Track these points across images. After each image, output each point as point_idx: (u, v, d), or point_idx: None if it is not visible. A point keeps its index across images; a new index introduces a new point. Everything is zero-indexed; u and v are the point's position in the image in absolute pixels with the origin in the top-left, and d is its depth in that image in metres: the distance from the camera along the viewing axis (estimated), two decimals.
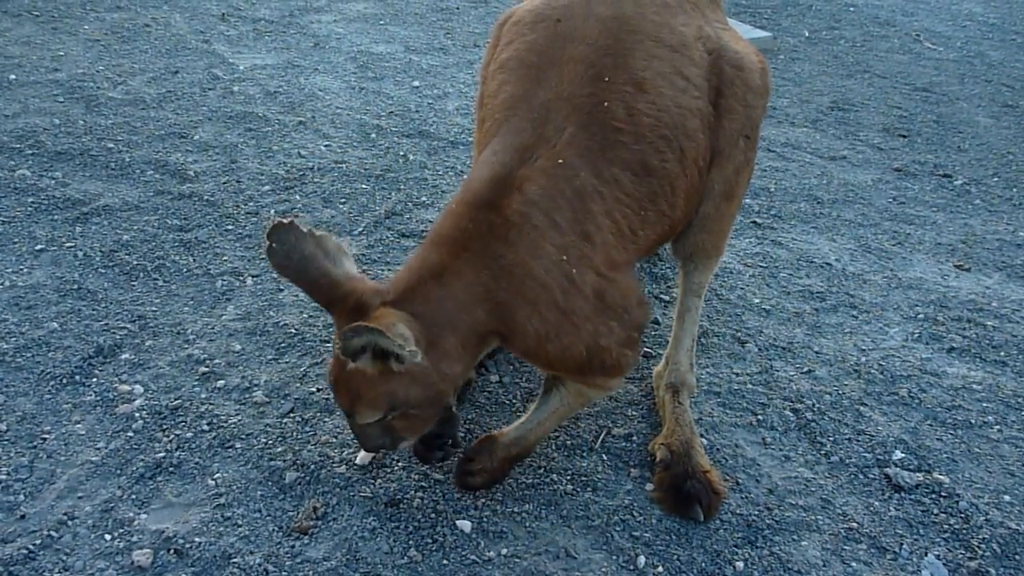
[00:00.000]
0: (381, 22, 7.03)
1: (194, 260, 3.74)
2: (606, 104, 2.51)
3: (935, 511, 2.82)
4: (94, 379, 3.07)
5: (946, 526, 2.76)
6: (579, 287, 2.41)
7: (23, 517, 2.54)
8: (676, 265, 3.35)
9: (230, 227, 4.00)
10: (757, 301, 3.83)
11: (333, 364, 2.34)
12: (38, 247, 3.70)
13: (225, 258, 3.78)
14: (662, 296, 3.82)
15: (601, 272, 2.46)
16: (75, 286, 3.49)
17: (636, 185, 2.55)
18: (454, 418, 2.59)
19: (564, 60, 2.57)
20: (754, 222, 4.51)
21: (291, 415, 3.00)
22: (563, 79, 2.54)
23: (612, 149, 2.50)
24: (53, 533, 2.49)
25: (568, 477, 2.84)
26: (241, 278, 3.66)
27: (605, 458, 2.94)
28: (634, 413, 3.15)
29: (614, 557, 2.57)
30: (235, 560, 2.46)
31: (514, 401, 3.14)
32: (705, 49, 2.77)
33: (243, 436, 2.89)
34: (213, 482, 2.72)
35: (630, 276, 2.60)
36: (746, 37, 7.04)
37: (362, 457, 2.80)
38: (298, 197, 4.31)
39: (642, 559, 2.56)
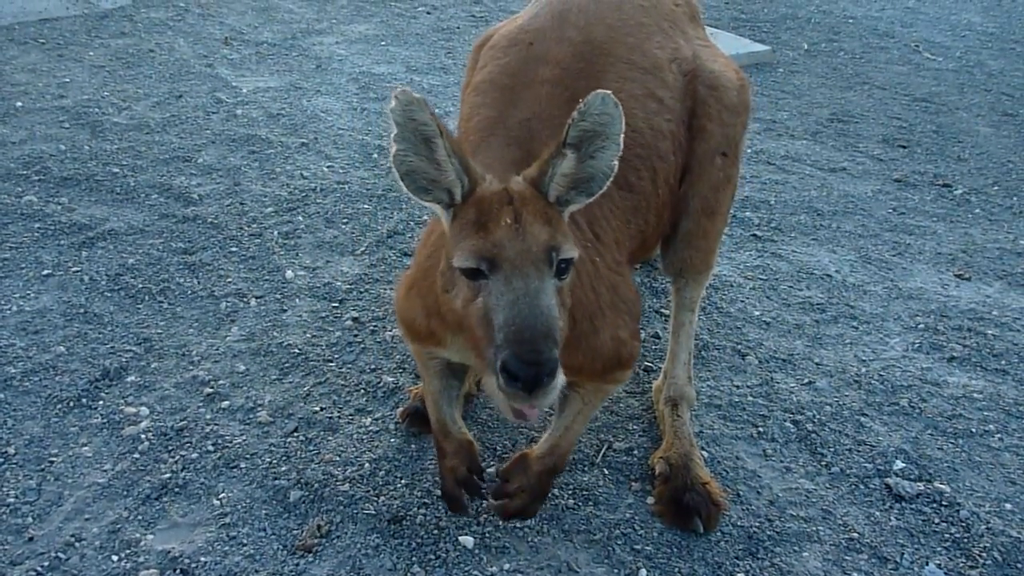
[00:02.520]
0: (382, 43, 7.10)
1: (198, 282, 3.79)
2: None
3: (936, 520, 2.83)
4: (100, 402, 3.11)
5: (947, 535, 2.77)
6: (602, 278, 2.47)
7: (31, 539, 2.57)
8: (669, 281, 3.39)
9: (234, 249, 4.04)
10: (757, 313, 3.85)
11: None
12: (45, 272, 3.75)
13: (229, 280, 3.82)
14: (663, 310, 3.85)
15: (612, 267, 2.53)
16: (81, 310, 3.54)
17: (622, 198, 2.60)
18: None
19: (538, 82, 2.61)
20: (754, 235, 4.54)
21: (295, 434, 3.03)
22: (540, 100, 2.57)
23: None
24: (61, 555, 2.52)
25: (569, 491, 2.86)
26: (245, 299, 3.70)
27: (606, 472, 2.96)
28: (634, 427, 3.17)
29: (616, 571, 2.58)
30: None
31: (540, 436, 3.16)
32: (680, 71, 2.81)
33: (248, 456, 2.92)
34: (218, 502, 2.74)
35: (629, 273, 2.68)
36: (745, 51, 7.11)
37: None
38: (301, 218, 4.35)
39: (644, 572, 2.58)
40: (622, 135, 2.02)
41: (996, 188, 5.31)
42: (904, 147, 5.84)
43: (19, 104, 5.27)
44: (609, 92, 1.96)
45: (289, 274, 3.89)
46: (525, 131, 2.52)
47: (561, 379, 1.91)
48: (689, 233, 2.95)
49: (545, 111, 2.54)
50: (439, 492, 2.80)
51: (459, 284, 2.05)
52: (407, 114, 1.96)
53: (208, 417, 3.08)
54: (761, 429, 3.18)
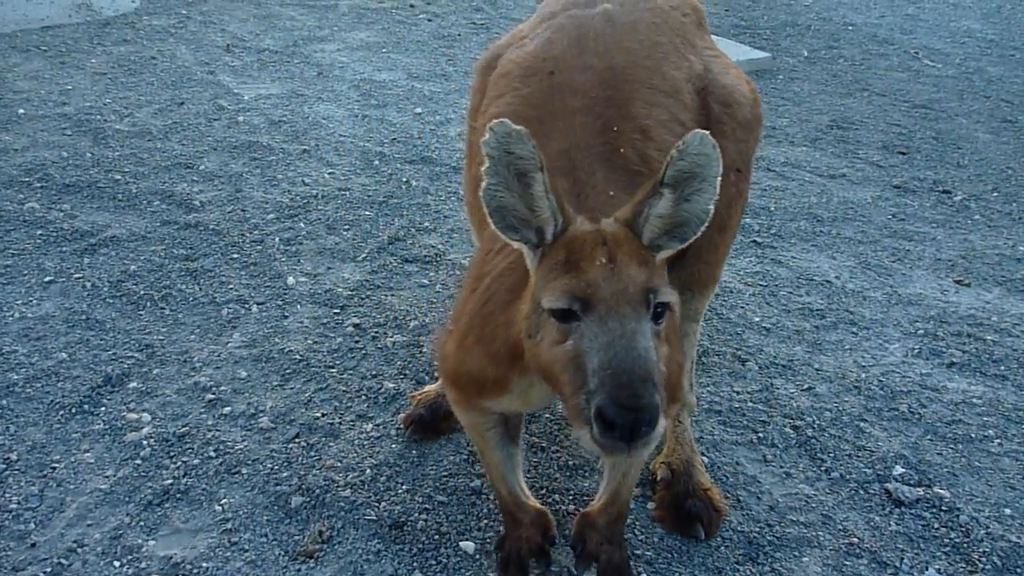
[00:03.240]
0: (383, 50, 7.13)
1: (200, 289, 3.80)
2: (622, 151, 2.49)
3: (936, 525, 2.83)
4: (102, 408, 3.12)
5: (947, 540, 2.78)
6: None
7: (34, 545, 2.58)
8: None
9: (235, 255, 4.06)
10: (757, 319, 3.86)
11: None
12: (47, 279, 3.76)
13: (231, 286, 3.83)
14: None
15: None
16: (83, 316, 3.55)
17: None
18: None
19: (568, 112, 2.52)
20: (754, 241, 4.55)
21: (296, 440, 3.04)
22: (574, 130, 2.49)
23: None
24: (63, 561, 2.53)
25: (570, 497, 2.87)
26: (246, 306, 3.72)
27: None
28: None
29: None
30: None
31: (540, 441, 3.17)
32: (694, 89, 2.75)
33: (249, 462, 2.93)
34: (220, 508, 2.75)
35: None
36: (745, 58, 7.13)
37: None
38: (302, 225, 4.37)
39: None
40: (719, 178, 1.93)
41: (995, 194, 5.32)
42: (904, 153, 5.85)
43: (21, 111, 5.29)
44: (707, 133, 1.87)
45: (290, 280, 3.90)
46: (566, 161, 2.43)
47: (662, 427, 1.76)
48: (699, 248, 2.87)
49: (582, 140, 2.47)
50: (440, 498, 2.81)
51: (546, 327, 1.91)
52: (503, 146, 1.85)
53: (210, 423, 3.09)
54: (761, 435, 3.18)
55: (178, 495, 2.79)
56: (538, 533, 2.57)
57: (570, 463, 3.00)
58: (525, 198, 1.91)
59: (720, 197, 2.89)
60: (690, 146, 1.86)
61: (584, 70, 2.60)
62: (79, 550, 2.57)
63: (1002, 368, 3.63)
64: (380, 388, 3.30)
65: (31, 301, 3.62)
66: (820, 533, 2.78)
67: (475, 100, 2.93)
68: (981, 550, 2.74)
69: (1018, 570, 2.68)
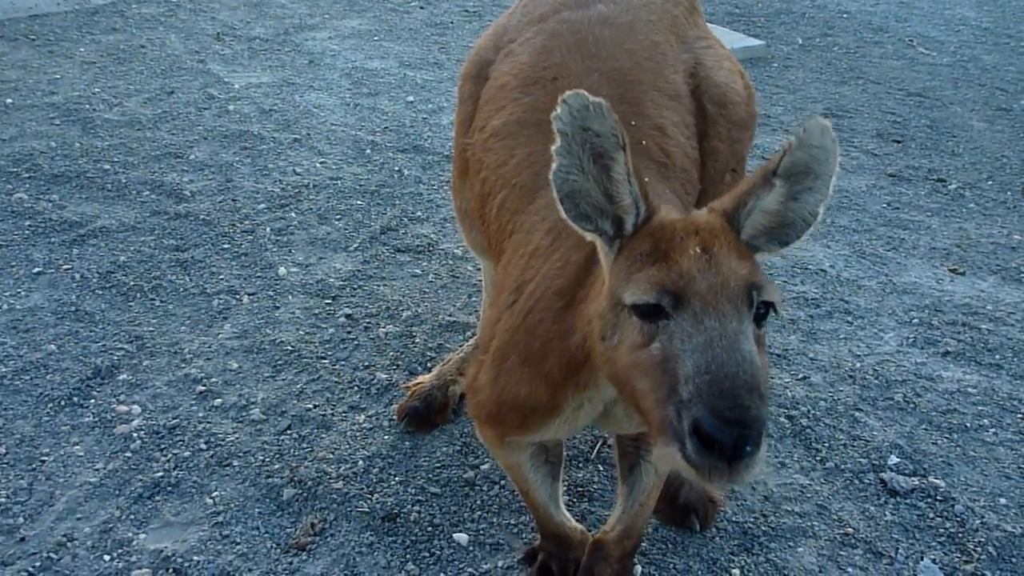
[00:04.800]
0: (375, 38, 7.08)
1: (190, 280, 3.77)
2: (644, 143, 2.39)
3: (931, 515, 2.82)
4: (92, 400, 3.09)
5: (942, 530, 2.77)
6: None
7: (23, 539, 2.55)
8: None
9: (226, 246, 4.02)
10: None
11: None
12: (35, 270, 3.73)
13: (221, 277, 3.80)
14: None
15: None
16: (72, 308, 3.52)
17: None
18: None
19: None
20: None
21: (288, 432, 3.01)
22: None
23: (667, 181, 2.36)
24: (53, 555, 2.51)
25: (565, 488, 2.84)
26: (237, 296, 3.69)
27: (601, 469, 2.96)
28: None
29: None
30: None
31: None
32: (688, 89, 2.66)
33: (241, 454, 2.91)
34: (211, 500, 2.73)
35: None
36: (739, 46, 7.10)
37: None
38: (294, 214, 4.33)
39: (639, 568, 2.57)
40: (834, 178, 1.70)
41: (990, 183, 5.31)
42: (898, 142, 5.83)
43: (9, 101, 5.24)
44: (829, 124, 1.64)
45: (282, 271, 3.87)
46: None
47: (766, 450, 1.53)
48: None
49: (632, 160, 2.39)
50: (433, 489, 2.80)
51: (626, 328, 1.67)
52: (579, 122, 1.64)
53: (200, 415, 3.06)
54: None
55: (169, 488, 2.76)
56: (573, 555, 2.51)
57: (565, 454, 2.98)
58: (602, 182, 1.70)
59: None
60: (812, 136, 1.64)
61: (589, 73, 2.48)
62: (69, 544, 2.55)
63: (997, 357, 3.62)
64: (372, 379, 3.28)
65: (19, 293, 3.59)
66: (815, 523, 2.77)
67: (465, 110, 2.80)
68: (976, 540, 2.73)
69: (1013, 559, 2.67)
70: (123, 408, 3.06)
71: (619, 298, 1.68)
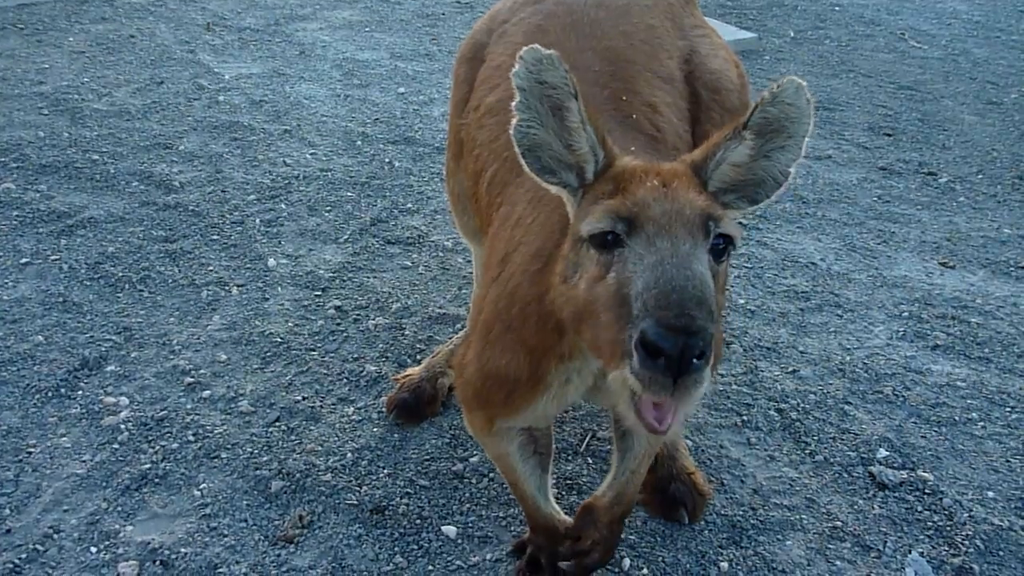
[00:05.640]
0: (366, 29, 7.05)
1: (179, 271, 3.75)
2: (634, 116, 2.39)
3: (919, 508, 2.83)
4: (79, 392, 3.07)
5: (930, 523, 2.77)
6: None
7: (8, 531, 2.54)
8: None
9: (215, 237, 4.00)
10: (742, 302, 3.85)
11: None
12: (23, 260, 3.70)
13: (210, 268, 3.78)
14: None
15: None
16: (60, 299, 3.50)
17: None
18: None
19: None
20: (739, 223, 4.52)
21: (277, 424, 3.00)
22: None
23: (657, 153, 2.33)
24: (39, 547, 2.49)
25: (553, 480, 2.84)
26: (226, 288, 3.67)
27: (590, 461, 2.95)
28: None
29: None
30: (221, 570, 2.47)
31: None
32: (683, 75, 2.66)
33: (229, 446, 2.89)
34: (199, 492, 2.72)
35: None
36: (731, 38, 7.07)
37: None
38: (284, 206, 4.31)
39: (627, 561, 2.57)
40: (807, 138, 1.69)
41: (980, 176, 5.31)
42: (889, 135, 5.83)
43: None
44: (804, 84, 1.64)
45: (271, 262, 3.85)
46: None
47: (708, 377, 1.52)
48: None
49: (588, 108, 2.38)
50: (422, 482, 2.79)
51: (584, 263, 1.68)
52: (535, 75, 1.64)
53: (189, 407, 3.05)
54: (745, 418, 3.17)
55: (156, 480, 2.75)
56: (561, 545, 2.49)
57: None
58: (561, 133, 1.71)
59: None
60: (785, 92, 1.64)
61: (582, 52, 2.49)
62: (55, 536, 2.53)
63: (986, 351, 3.63)
64: (362, 371, 3.27)
65: (7, 283, 3.56)
66: (804, 516, 2.78)
67: (460, 92, 2.80)
68: (964, 533, 2.74)
69: (1000, 553, 2.68)
70: (111, 400, 3.04)
71: (577, 233, 1.69)
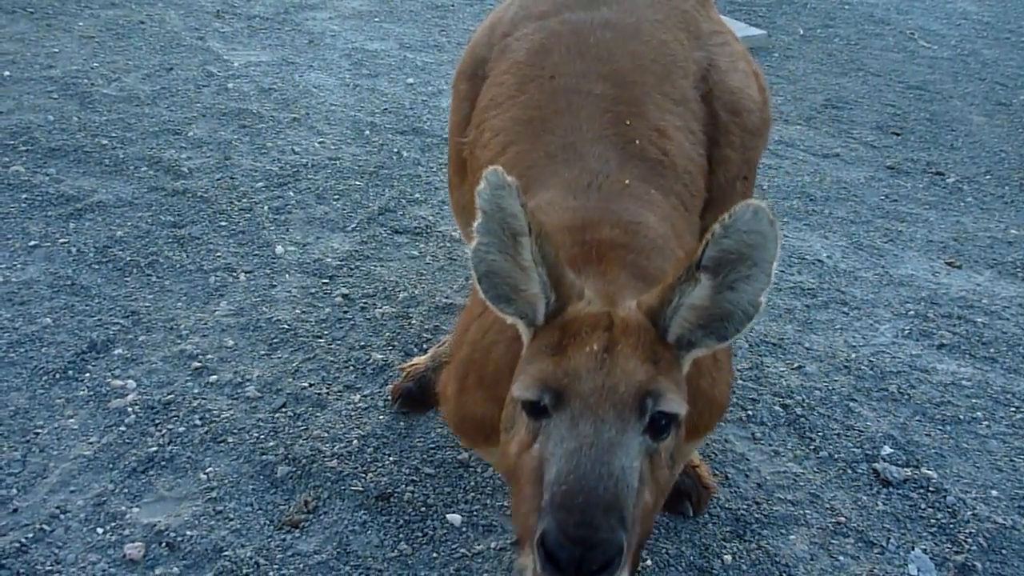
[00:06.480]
0: (376, 19, 7.04)
1: (187, 256, 3.76)
2: (637, 142, 2.29)
3: (923, 506, 2.84)
4: (87, 374, 3.08)
5: (933, 521, 2.78)
6: None
7: (15, 511, 2.55)
8: None
9: (223, 223, 4.01)
10: None
11: None
12: (31, 243, 3.71)
13: (218, 254, 3.79)
14: None
15: None
16: (68, 282, 3.50)
17: (684, 220, 2.30)
18: None
19: (573, 109, 2.32)
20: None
21: (283, 410, 3.01)
22: (579, 123, 2.28)
23: (661, 178, 2.28)
24: (45, 527, 2.51)
25: None
26: (234, 274, 3.68)
27: None
28: None
29: None
30: (226, 553, 2.48)
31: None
32: (699, 96, 2.53)
33: (235, 431, 2.90)
34: (205, 476, 2.73)
35: None
36: (740, 35, 7.05)
37: None
38: (292, 193, 4.32)
39: None
40: (775, 263, 1.52)
41: (988, 177, 5.31)
42: (897, 134, 5.83)
43: (7, 74, 5.20)
44: (764, 205, 1.47)
45: (279, 249, 3.86)
46: (572, 153, 2.22)
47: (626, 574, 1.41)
48: None
49: (589, 132, 2.27)
50: (427, 470, 2.80)
51: (518, 422, 1.60)
52: (496, 200, 1.52)
53: (196, 391, 3.06)
54: (750, 412, 3.18)
55: (163, 463, 2.76)
56: None
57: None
58: (518, 265, 1.59)
59: (723, 208, 2.62)
60: (739, 220, 1.47)
61: (587, 75, 2.40)
62: (62, 516, 2.55)
63: (991, 350, 3.63)
64: (368, 359, 3.27)
65: (15, 266, 3.57)
66: (807, 511, 2.78)
67: (462, 110, 2.70)
68: (967, 531, 2.74)
69: (1003, 551, 2.69)
70: (118, 383, 3.05)
71: (511, 392, 1.59)
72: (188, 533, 2.53)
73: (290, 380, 3.14)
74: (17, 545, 2.44)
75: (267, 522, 2.60)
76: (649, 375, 1.52)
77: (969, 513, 2.81)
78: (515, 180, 1.49)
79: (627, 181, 2.14)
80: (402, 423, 3.00)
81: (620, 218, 2.04)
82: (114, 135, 4.66)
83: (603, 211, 2.05)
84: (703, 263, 1.52)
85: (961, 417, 3.23)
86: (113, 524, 2.54)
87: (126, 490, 2.66)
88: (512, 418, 1.63)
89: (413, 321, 3.51)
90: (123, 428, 2.87)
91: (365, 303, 3.58)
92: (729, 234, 1.48)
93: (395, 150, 4.86)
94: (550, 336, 1.59)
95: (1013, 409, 3.29)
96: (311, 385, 3.13)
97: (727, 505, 2.79)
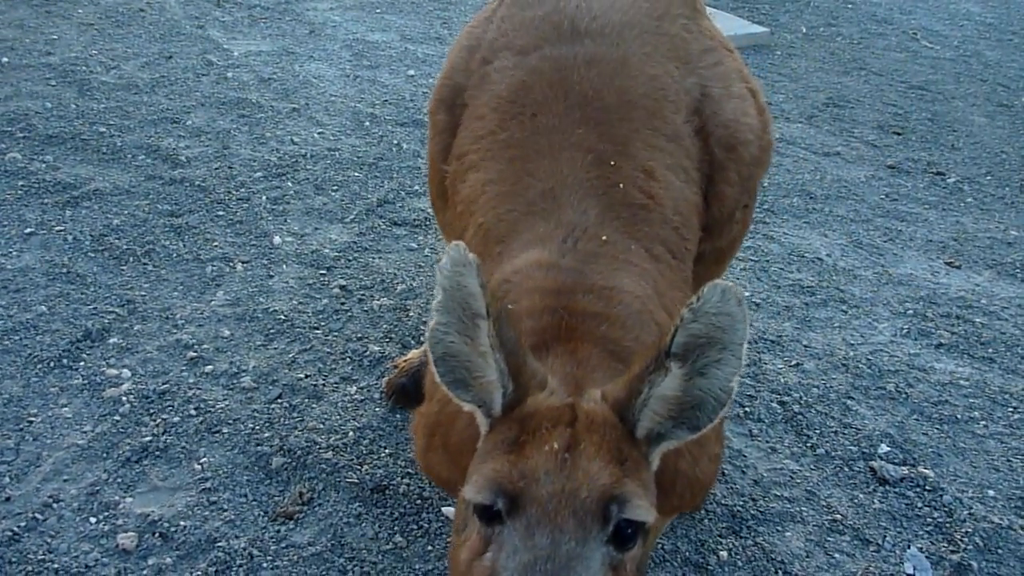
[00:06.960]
0: (377, 10, 7.02)
1: (184, 245, 3.74)
2: (621, 186, 2.17)
3: (919, 504, 2.83)
4: (82, 363, 3.06)
5: (929, 519, 2.77)
6: None
7: (8, 499, 2.53)
8: None
9: (221, 213, 3.99)
10: (748, 295, 3.84)
11: None
12: (28, 230, 3.69)
13: (215, 244, 3.77)
14: None
15: None
16: (64, 270, 3.49)
17: (670, 271, 2.20)
18: None
19: (554, 150, 2.22)
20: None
21: (279, 401, 3.00)
22: (559, 167, 2.18)
23: (647, 225, 2.17)
24: (38, 515, 2.49)
25: None
26: (231, 264, 3.66)
27: None
28: None
29: None
30: (220, 544, 2.46)
31: None
32: (694, 129, 2.40)
33: (230, 421, 2.89)
34: (199, 466, 2.72)
35: None
36: (743, 32, 7.05)
37: None
38: (290, 184, 4.30)
39: None
40: (745, 345, 1.45)
41: (989, 178, 5.30)
42: (899, 134, 5.82)
43: (5, 60, 5.18)
44: (731, 285, 1.40)
45: (277, 240, 3.84)
46: (550, 202, 2.13)
47: None
48: (696, 275, 2.55)
49: (569, 176, 2.16)
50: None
51: (469, 526, 1.49)
52: (456, 277, 1.43)
53: (191, 381, 3.04)
54: (748, 409, 3.17)
55: (157, 453, 2.75)
56: None
57: None
58: (476, 349, 1.49)
59: (723, 239, 2.53)
60: (707, 303, 1.40)
61: (571, 110, 2.28)
62: (55, 505, 2.53)
63: (990, 350, 3.62)
64: (365, 351, 3.26)
65: (11, 253, 3.55)
66: (804, 509, 2.78)
67: (442, 141, 2.58)
68: (963, 530, 2.73)
69: (999, 551, 2.68)
70: (113, 372, 3.04)
71: (464, 493, 1.48)
72: (182, 523, 2.52)
73: (286, 371, 3.13)
74: (9, 534, 2.42)
75: (261, 513, 2.58)
76: (614, 478, 1.42)
77: (966, 512, 2.80)
78: (476, 258, 1.40)
79: (604, 237, 2.05)
80: (398, 415, 2.99)
81: (595, 283, 1.95)
82: (112, 123, 4.64)
83: (577, 274, 1.96)
84: (672, 350, 1.44)
85: (959, 417, 3.23)
86: (106, 514, 2.53)
87: (120, 480, 2.64)
88: (464, 520, 1.52)
89: (411, 313, 3.49)
90: (117, 417, 2.86)
91: (363, 295, 3.57)
92: (697, 318, 1.41)
93: (395, 142, 4.84)
94: (507, 430, 1.49)
95: (1011, 409, 3.29)
96: (307, 376, 3.12)
97: (723, 501, 2.78)
